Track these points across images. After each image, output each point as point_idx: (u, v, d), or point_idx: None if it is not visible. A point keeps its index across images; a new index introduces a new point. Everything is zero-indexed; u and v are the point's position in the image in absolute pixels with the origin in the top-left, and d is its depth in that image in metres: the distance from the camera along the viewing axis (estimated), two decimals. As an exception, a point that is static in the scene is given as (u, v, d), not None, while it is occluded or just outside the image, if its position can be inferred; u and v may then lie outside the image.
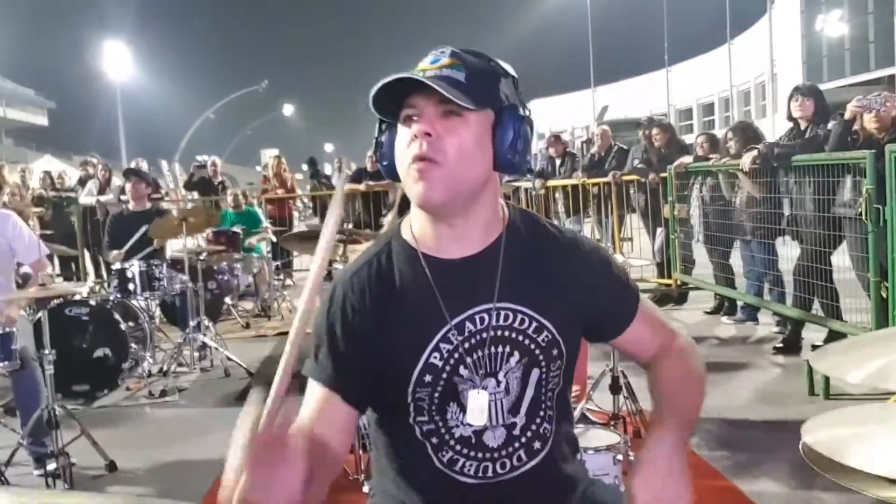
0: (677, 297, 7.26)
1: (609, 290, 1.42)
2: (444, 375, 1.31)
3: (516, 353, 1.34)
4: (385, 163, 1.35)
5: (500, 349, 1.33)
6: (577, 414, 3.15)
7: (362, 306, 1.33)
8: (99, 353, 4.87)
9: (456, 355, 1.32)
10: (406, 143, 1.27)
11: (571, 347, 1.39)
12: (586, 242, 1.46)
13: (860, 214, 4.30)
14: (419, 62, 1.30)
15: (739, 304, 6.33)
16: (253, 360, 5.63)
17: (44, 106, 59.18)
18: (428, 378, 1.31)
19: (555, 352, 1.36)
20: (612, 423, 3.39)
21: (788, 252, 5.49)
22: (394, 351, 1.31)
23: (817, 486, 2.98)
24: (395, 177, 1.33)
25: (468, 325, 1.32)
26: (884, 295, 4.20)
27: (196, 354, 5.60)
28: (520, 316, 1.33)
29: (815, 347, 5.03)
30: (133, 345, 5.02)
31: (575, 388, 3.48)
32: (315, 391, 1.32)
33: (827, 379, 4.15)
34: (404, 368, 1.31)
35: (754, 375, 4.80)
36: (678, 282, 7.10)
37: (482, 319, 1.32)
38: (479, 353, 1.32)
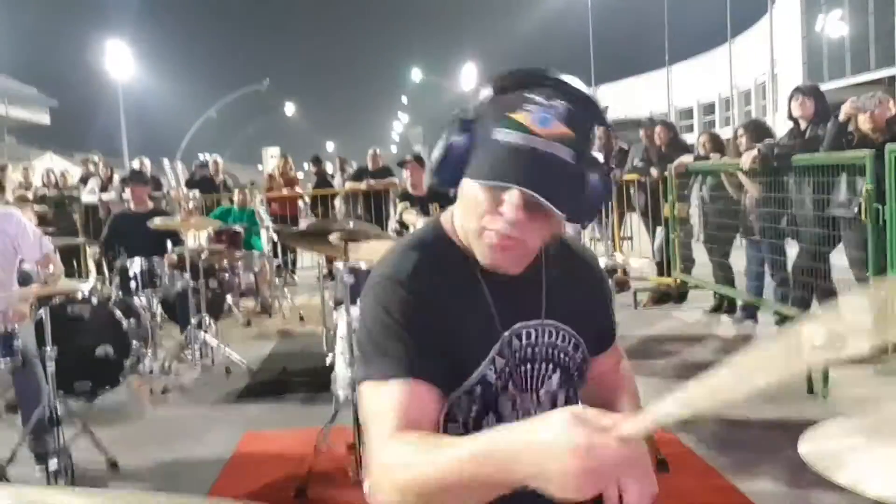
0: (677, 296, 7.27)
1: (608, 309, 1.48)
2: (494, 391, 1.26)
3: (558, 371, 1.34)
4: (446, 174, 1.21)
5: (544, 367, 1.32)
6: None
7: (418, 299, 1.21)
8: (100, 350, 4.87)
9: (507, 370, 1.28)
10: (487, 206, 1.16)
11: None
12: (595, 258, 1.52)
13: (857, 214, 4.32)
14: (522, 103, 1.13)
15: (739, 303, 6.34)
16: (254, 358, 5.64)
17: (46, 104, 59.08)
18: (479, 390, 1.25)
19: (584, 367, 1.39)
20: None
21: (789, 252, 5.51)
22: (452, 357, 1.22)
23: (816, 486, 2.98)
24: (447, 184, 1.23)
25: (514, 340, 1.29)
26: (883, 294, 4.21)
27: (197, 352, 5.61)
28: (562, 333, 1.34)
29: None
30: (134, 342, 5.02)
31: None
32: (393, 392, 1.14)
33: (826, 377, 4.16)
34: (455, 378, 1.23)
35: (754, 375, 4.80)
36: (678, 281, 7.11)
37: (528, 335, 1.31)
38: (524, 369, 1.31)
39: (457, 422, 1.29)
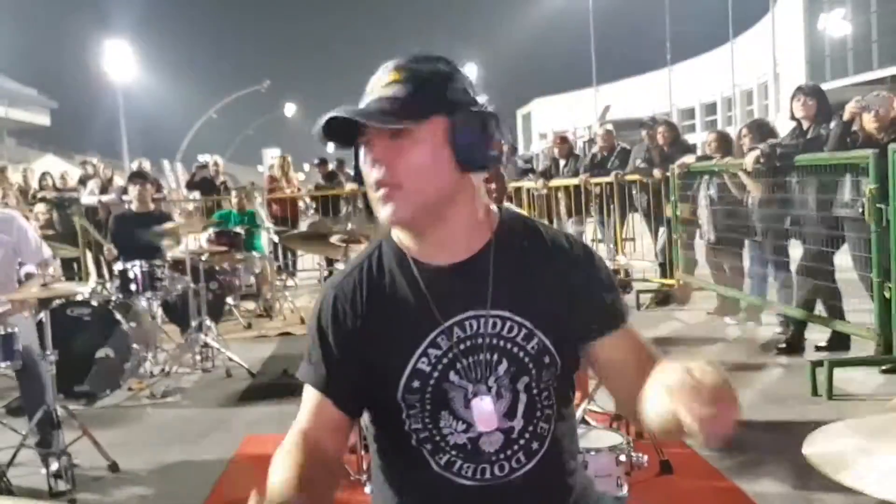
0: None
1: (590, 287, 1.37)
2: (433, 382, 1.31)
3: (504, 362, 1.32)
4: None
5: (488, 356, 1.32)
6: (578, 415, 3.14)
7: (352, 309, 1.35)
8: (101, 353, 4.86)
9: (445, 361, 1.31)
10: (368, 169, 1.29)
11: (568, 353, 1.36)
12: (575, 242, 1.42)
13: (861, 215, 4.30)
14: (373, 81, 1.30)
15: (742, 304, 6.31)
16: (255, 360, 5.63)
17: (46, 106, 59.21)
18: (416, 384, 1.31)
19: (546, 359, 1.33)
20: (613, 423, 3.38)
21: (792, 253, 5.48)
22: (381, 355, 1.32)
23: (819, 488, 2.97)
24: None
25: (457, 330, 1.31)
26: (887, 295, 4.20)
27: (198, 355, 5.60)
28: (509, 323, 1.32)
29: (818, 348, 5.02)
30: (135, 345, 5.01)
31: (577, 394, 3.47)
32: (310, 393, 1.37)
33: (830, 379, 4.14)
34: (392, 373, 1.31)
35: (757, 376, 4.79)
36: (681, 282, 7.09)
37: (471, 326, 1.31)
38: (469, 360, 1.32)
39: (417, 422, 1.33)
